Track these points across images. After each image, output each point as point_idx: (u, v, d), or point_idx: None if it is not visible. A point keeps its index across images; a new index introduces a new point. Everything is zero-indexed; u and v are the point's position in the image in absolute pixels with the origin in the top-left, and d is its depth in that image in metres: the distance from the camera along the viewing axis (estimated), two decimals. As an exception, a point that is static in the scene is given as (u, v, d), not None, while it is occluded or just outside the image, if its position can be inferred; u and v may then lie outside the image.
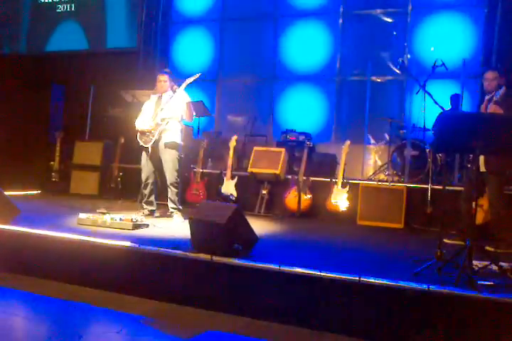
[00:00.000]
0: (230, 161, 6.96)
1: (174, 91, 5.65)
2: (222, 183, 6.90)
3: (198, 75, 5.50)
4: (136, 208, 6.04)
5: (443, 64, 6.63)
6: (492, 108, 4.65)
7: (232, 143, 7.03)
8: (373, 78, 8.04)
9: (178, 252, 3.84)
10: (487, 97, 4.91)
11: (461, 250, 3.50)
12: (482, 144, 3.40)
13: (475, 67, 7.43)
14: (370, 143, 7.91)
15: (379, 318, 3.20)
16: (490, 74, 4.87)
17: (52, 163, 8.05)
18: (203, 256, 3.73)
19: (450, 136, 3.59)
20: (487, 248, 4.66)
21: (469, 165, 4.96)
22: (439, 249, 3.80)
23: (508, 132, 3.44)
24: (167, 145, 5.56)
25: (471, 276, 3.28)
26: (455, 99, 7.16)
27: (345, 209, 6.26)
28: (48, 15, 10.21)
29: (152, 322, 3.47)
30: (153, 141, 5.53)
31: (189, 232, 3.99)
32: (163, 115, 5.52)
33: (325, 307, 3.34)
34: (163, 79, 5.62)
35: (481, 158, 4.65)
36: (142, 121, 5.66)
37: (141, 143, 5.63)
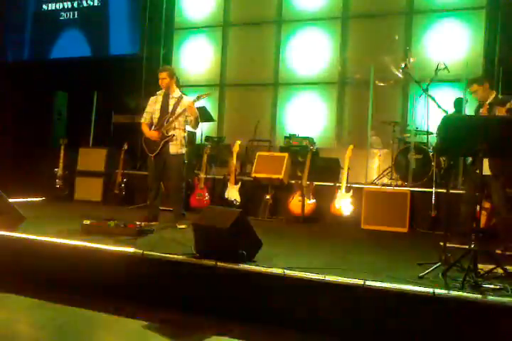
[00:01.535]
0: (233, 166, 6.97)
1: (182, 95, 5.65)
2: (225, 188, 6.91)
3: (209, 93, 5.52)
4: (140, 214, 6.04)
5: (445, 67, 6.63)
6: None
7: (236, 149, 7.04)
8: (376, 82, 8.03)
9: (182, 258, 3.84)
10: (486, 102, 4.91)
11: (466, 253, 3.49)
12: (485, 147, 3.40)
13: (477, 70, 7.42)
14: (374, 147, 7.88)
15: (384, 323, 3.19)
16: (471, 89, 5.01)
17: (56, 169, 8.07)
18: (207, 261, 3.73)
19: (453, 139, 3.60)
20: (496, 251, 4.64)
21: (471, 168, 4.94)
22: (443, 253, 3.79)
23: (510, 134, 3.44)
24: (172, 153, 5.57)
25: (477, 280, 3.27)
26: (458, 102, 7.15)
27: (349, 213, 6.25)
28: (52, 22, 10.27)
29: (157, 329, 3.46)
30: (157, 151, 5.55)
31: (193, 238, 3.98)
32: (170, 127, 5.52)
33: (329, 312, 3.33)
34: (162, 77, 5.60)
35: (486, 162, 4.63)
36: (148, 124, 5.66)
37: (146, 151, 5.64)
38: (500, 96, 4.87)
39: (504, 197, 4.79)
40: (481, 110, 4.98)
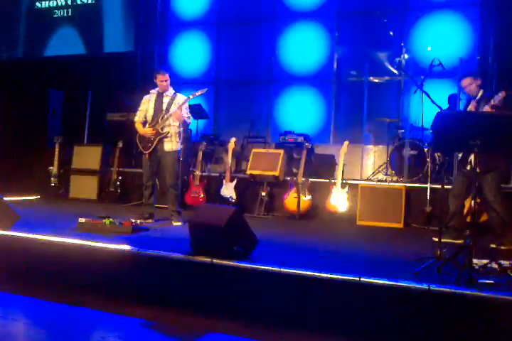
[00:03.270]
0: (228, 163, 6.97)
1: (175, 93, 5.65)
2: (221, 186, 6.91)
3: (204, 90, 5.52)
4: (135, 212, 6.03)
5: (440, 63, 6.64)
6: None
7: (231, 146, 7.03)
8: (371, 78, 8.05)
9: (178, 255, 3.83)
10: (474, 100, 4.93)
11: (461, 249, 3.50)
12: (480, 143, 3.41)
13: (472, 66, 7.44)
14: (369, 143, 7.90)
15: (379, 318, 3.20)
16: (464, 82, 5.02)
17: (51, 167, 8.06)
18: (203, 259, 3.73)
19: (448, 135, 3.61)
20: (491, 245, 4.67)
21: (463, 163, 4.97)
22: (438, 248, 3.80)
23: (504, 130, 3.45)
24: (167, 150, 5.57)
25: (471, 275, 3.29)
26: (452, 98, 7.17)
27: (344, 209, 6.27)
28: (45, 20, 10.21)
29: (153, 326, 3.46)
30: (152, 148, 5.54)
31: (189, 235, 3.98)
32: (164, 124, 5.52)
33: (325, 308, 3.34)
34: (165, 79, 5.59)
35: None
36: (141, 122, 5.66)
37: (140, 148, 5.63)
38: (486, 93, 4.89)
39: (499, 192, 4.81)
40: (468, 107, 5.00)
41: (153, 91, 5.73)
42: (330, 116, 8.82)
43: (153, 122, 5.58)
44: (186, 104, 5.59)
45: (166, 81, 5.58)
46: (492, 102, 4.53)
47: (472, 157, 3.84)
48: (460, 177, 5.03)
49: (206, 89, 5.59)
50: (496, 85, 6.77)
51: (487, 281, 3.25)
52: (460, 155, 5.01)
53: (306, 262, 3.68)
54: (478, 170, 4.62)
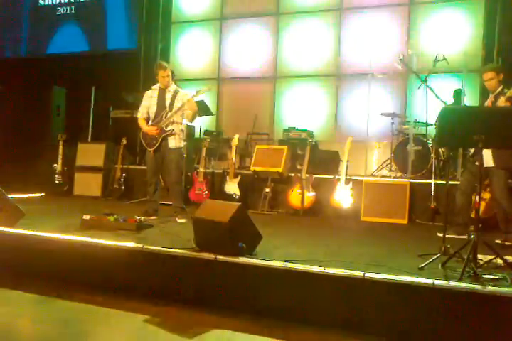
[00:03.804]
0: (232, 160, 6.96)
1: (178, 89, 5.64)
2: (225, 182, 6.91)
3: (208, 88, 5.50)
4: (139, 208, 6.04)
5: (444, 58, 6.62)
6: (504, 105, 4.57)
7: (235, 142, 7.02)
8: (375, 74, 8.00)
9: (182, 252, 3.84)
10: (492, 95, 4.86)
11: (465, 244, 3.49)
12: (484, 138, 3.39)
13: (476, 61, 7.40)
14: (373, 139, 7.86)
15: (383, 314, 3.19)
16: (487, 75, 4.84)
17: (55, 165, 8.07)
18: (206, 255, 3.73)
19: (452, 130, 3.59)
20: (496, 241, 4.65)
21: (471, 159, 4.94)
22: (443, 244, 3.79)
23: (509, 125, 3.43)
24: (171, 147, 5.56)
25: (476, 270, 3.27)
26: (457, 93, 7.15)
27: (348, 205, 6.26)
28: (48, 18, 10.24)
29: (157, 322, 3.47)
30: (156, 146, 5.53)
31: (193, 232, 3.99)
32: (168, 122, 5.51)
33: (329, 304, 3.33)
34: (167, 74, 5.56)
35: (489, 154, 4.63)
36: (145, 119, 5.65)
37: (144, 145, 5.63)
38: (505, 90, 4.82)
39: (506, 188, 4.78)
40: (486, 102, 4.95)
41: (155, 87, 5.70)
42: (334, 112, 8.79)
43: (156, 119, 5.57)
44: (196, 108, 5.59)
45: (167, 76, 5.56)
46: (508, 94, 4.47)
47: (483, 152, 3.77)
48: (467, 172, 5.01)
49: (209, 87, 5.58)
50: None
51: (492, 277, 3.24)
52: (472, 150, 4.97)
53: (310, 258, 3.67)
54: (489, 166, 4.63)
